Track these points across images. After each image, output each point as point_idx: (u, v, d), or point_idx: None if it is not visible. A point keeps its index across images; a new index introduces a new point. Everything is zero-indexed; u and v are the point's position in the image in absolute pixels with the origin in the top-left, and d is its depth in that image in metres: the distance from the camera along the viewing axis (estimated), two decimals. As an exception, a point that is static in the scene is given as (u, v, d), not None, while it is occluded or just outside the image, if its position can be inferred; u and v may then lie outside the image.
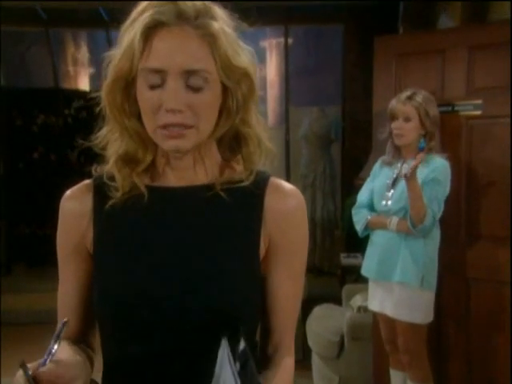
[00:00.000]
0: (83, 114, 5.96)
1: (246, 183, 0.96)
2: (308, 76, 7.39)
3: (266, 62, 8.53)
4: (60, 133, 5.99)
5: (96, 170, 1.01)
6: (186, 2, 0.87)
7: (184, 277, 0.92)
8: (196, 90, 0.87)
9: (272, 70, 8.36)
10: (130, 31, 0.87)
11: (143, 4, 0.88)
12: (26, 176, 5.99)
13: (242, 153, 0.98)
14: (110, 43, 5.89)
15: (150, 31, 0.86)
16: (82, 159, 5.95)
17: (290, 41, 6.58)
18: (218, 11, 0.91)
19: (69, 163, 5.99)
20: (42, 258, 5.66)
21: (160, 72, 0.86)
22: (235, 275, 0.94)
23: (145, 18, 0.86)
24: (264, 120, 1.00)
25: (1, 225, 5.80)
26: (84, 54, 7.63)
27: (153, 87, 0.87)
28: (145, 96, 0.88)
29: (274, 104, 8.32)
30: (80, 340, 1.04)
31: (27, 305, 4.81)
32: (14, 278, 5.59)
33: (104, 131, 0.97)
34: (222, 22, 0.90)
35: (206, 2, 0.90)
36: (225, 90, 0.91)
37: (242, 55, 0.91)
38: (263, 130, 0.98)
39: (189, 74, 0.86)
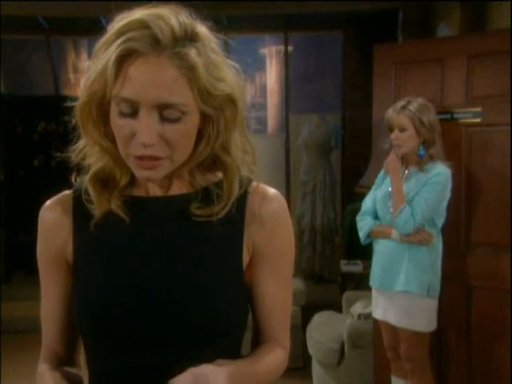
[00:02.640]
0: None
1: (221, 215, 0.92)
2: (308, 83, 7.42)
3: (266, 69, 8.57)
4: (60, 140, 6.00)
5: (76, 179, 0.99)
6: (163, 28, 0.81)
7: (165, 289, 0.91)
8: (171, 121, 0.83)
9: (272, 78, 8.40)
10: (105, 53, 0.82)
11: (120, 23, 0.83)
12: (27, 183, 5.99)
13: (223, 181, 0.94)
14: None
15: (124, 58, 0.81)
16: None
17: (290, 48, 6.62)
18: (200, 30, 0.86)
19: (69, 171, 6.00)
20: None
21: (130, 101, 0.82)
22: (217, 286, 0.92)
23: (119, 43, 0.80)
24: (251, 142, 0.95)
25: (0, 232, 5.80)
26: (84, 61, 7.65)
27: (125, 115, 0.83)
28: (116, 123, 0.84)
29: (274, 111, 8.36)
30: (64, 353, 1.04)
31: (27, 313, 4.79)
32: (13, 286, 5.57)
33: (81, 144, 0.94)
34: (205, 44, 0.85)
35: (187, 22, 0.84)
36: (205, 115, 0.87)
37: (226, 78, 0.86)
38: (248, 154, 0.95)
39: (163, 106, 0.82)
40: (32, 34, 6.12)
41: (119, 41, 0.81)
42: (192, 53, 0.82)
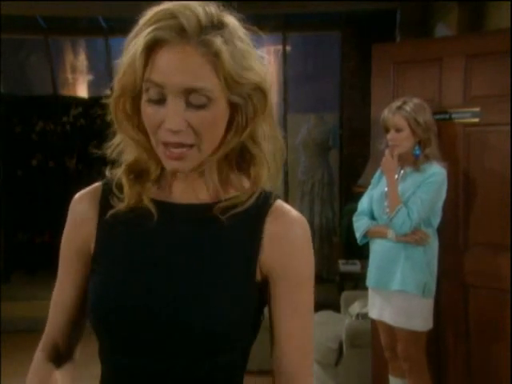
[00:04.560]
0: (81, 121, 5.97)
1: (245, 206, 0.92)
2: (306, 83, 7.41)
3: (265, 69, 8.56)
4: (58, 140, 6.00)
5: (111, 172, 0.99)
6: (190, 17, 0.83)
7: (175, 295, 0.91)
8: (198, 107, 0.84)
9: (270, 77, 8.39)
10: (134, 45, 0.85)
11: (148, 15, 0.85)
12: (25, 183, 5.99)
13: (250, 172, 0.94)
14: (109, 51, 5.92)
15: (152, 47, 0.83)
16: (80, 166, 5.96)
17: (288, 48, 6.60)
18: (228, 20, 0.87)
19: (67, 170, 5.99)
20: (41, 266, 5.65)
21: (160, 87, 0.84)
22: (224, 299, 0.90)
23: (146, 33, 0.83)
24: (281, 132, 0.96)
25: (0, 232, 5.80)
26: (82, 61, 7.65)
27: (153, 102, 0.85)
28: (146, 111, 0.86)
29: (273, 111, 8.33)
30: (65, 345, 1.04)
31: (26, 312, 4.80)
32: (13, 286, 5.57)
33: (117, 139, 0.95)
34: (231, 33, 0.86)
35: (214, 11, 0.86)
36: (233, 105, 0.88)
37: (255, 68, 0.87)
38: (277, 145, 0.96)
39: (189, 91, 0.83)
40: (30, 33, 6.11)
41: (147, 31, 0.83)
42: (217, 40, 0.83)
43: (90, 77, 7.53)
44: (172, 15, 0.83)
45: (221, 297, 0.90)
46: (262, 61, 0.90)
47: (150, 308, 0.90)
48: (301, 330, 0.96)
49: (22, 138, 5.99)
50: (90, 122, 5.84)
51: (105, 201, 0.98)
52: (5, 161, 5.85)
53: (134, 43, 0.85)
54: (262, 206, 0.94)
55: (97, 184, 1.01)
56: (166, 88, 0.83)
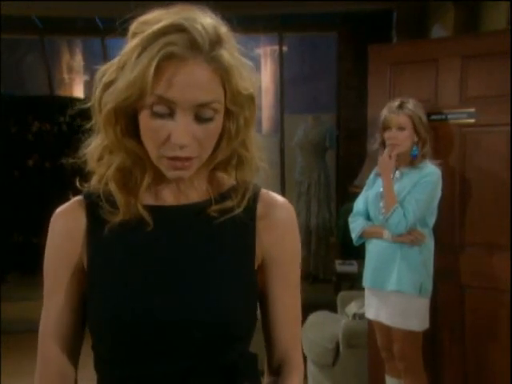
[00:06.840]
0: (78, 121, 5.97)
1: (238, 211, 0.94)
2: (303, 84, 7.42)
3: (261, 69, 8.57)
4: (55, 140, 5.99)
5: (82, 184, 0.97)
6: (201, 32, 0.82)
7: (183, 296, 0.90)
8: (204, 120, 0.85)
9: (267, 78, 8.39)
10: (139, 58, 0.82)
11: (157, 27, 0.82)
12: (21, 183, 5.97)
13: (236, 174, 0.97)
14: (105, 51, 5.92)
15: (162, 61, 0.81)
16: (76, 167, 5.94)
17: (285, 48, 6.62)
18: (224, 30, 0.87)
19: (63, 171, 5.98)
20: (38, 266, 5.63)
21: (172, 103, 0.83)
22: (234, 291, 0.93)
23: (159, 48, 0.81)
24: (258, 137, 0.98)
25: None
26: (79, 61, 7.65)
27: (159, 116, 0.84)
28: (151, 125, 0.85)
29: (269, 112, 8.35)
30: (73, 373, 0.99)
31: (24, 313, 4.79)
32: (10, 287, 5.56)
33: (96, 145, 0.93)
34: (231, 44, 0.87)
35: (215, 23, 0.86)
36: (226, 113, 0.89)
37: (248, 77, 0.89)
38: (258, 150, 0.97)
39: (200, 106, 0.84)
40: (26, 33, 6.10)
41: (158, 45, 0.81)
42: (225, 54, 0.85)
43: (86, 77, 7.53)
44: (183, 29, 0.82)
45: (229, 288, 0.92)
46: (252, 69, 0.92)
47: (164, 313, 0.89)
48: (294, 302, 1.02)
49: (18, 138, 5.97)
50: (86, 123, 5.82)
51: (93, 213, 0.95)
52: (1, 161, 5.83)
53: (139, 56, 0.82)
54: (250, 197, 0.96)
55: (77, 198, 0.98)
56: (178, 104, 0.83)
